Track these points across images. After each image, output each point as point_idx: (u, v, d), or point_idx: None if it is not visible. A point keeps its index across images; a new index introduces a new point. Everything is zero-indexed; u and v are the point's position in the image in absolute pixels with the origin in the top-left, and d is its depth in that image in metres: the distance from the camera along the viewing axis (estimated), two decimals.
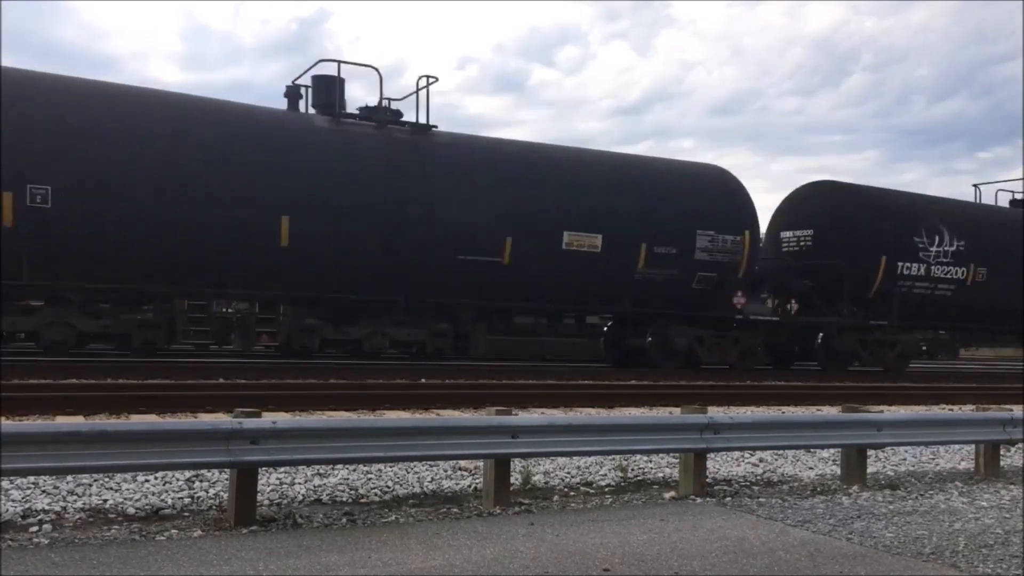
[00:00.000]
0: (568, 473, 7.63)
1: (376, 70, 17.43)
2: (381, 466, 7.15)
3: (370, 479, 6.97)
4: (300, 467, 6.80)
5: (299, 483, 6.68)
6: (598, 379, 16.26)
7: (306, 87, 17.47)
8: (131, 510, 5.83)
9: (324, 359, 18.15)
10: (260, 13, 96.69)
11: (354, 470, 7.07)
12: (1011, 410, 8.69)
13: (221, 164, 15.44)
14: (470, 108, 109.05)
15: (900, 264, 22.41)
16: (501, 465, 6.34)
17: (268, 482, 6.51)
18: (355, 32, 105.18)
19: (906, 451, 9.50)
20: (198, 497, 6.18)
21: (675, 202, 19.76)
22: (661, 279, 19.47)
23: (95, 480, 6.26)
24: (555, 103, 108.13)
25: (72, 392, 10.37)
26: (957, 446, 9.74)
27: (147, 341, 16.27)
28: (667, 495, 6.97)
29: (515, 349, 21.12)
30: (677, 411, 8.29)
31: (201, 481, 6.49)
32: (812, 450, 9.02)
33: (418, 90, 17.67)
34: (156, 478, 6.42)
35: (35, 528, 5.28)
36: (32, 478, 6.00)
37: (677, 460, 7.28)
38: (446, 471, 7.36)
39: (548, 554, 4.96)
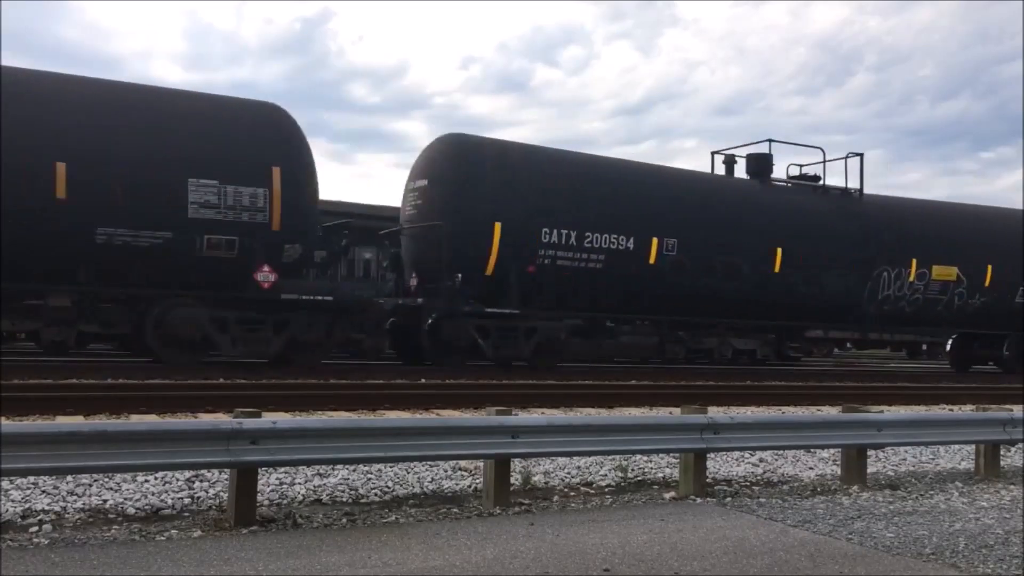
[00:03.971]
0: (568, 473, 7.63)
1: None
2: (381, 466, 7.15)
3: (370, 479, 6.97)
4: (300, 467, 6.79)
5: (299, 483, 6.68)
6: (598, 379, 16.27)
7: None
8: (131, 510, 5.83)
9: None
10: (263, 12, 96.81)
11: (354, 470, 7.07)
12: (1011, 410, 8.70)
13: None
14: (473, 108, 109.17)
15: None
16: (501, 465, 6.35)
17: (268, 482, 6.51)
18: (358, 32, 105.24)
19: (906, 451, 9.50)
20: (198, 497, 6.18)
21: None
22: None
23: (95, 480, 6.26)
24: (558, 103, 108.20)
25: (72, 392, 10.37)
26: (957, 446, 9.75)
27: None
28: (667, 495, 6.97)
29: None
30: (677, 411, 8.29)
31: (201, 481, 6.49)
32: (812, 450, 9.03)
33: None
34: (156, 478, 6.42)
35: (35, 528, 5.29)
36: (32, 478, 6.00)
37: (677, 460, 7.28)
38: (446, 471, 7.36)
39: (548, 554, 4.96)
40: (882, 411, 9.55)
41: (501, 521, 5.83)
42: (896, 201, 24.23)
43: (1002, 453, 8.76)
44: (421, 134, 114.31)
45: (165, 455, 5.30)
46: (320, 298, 16.07)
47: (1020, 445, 9.39)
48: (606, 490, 7.19)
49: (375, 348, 17.90)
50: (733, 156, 22.87)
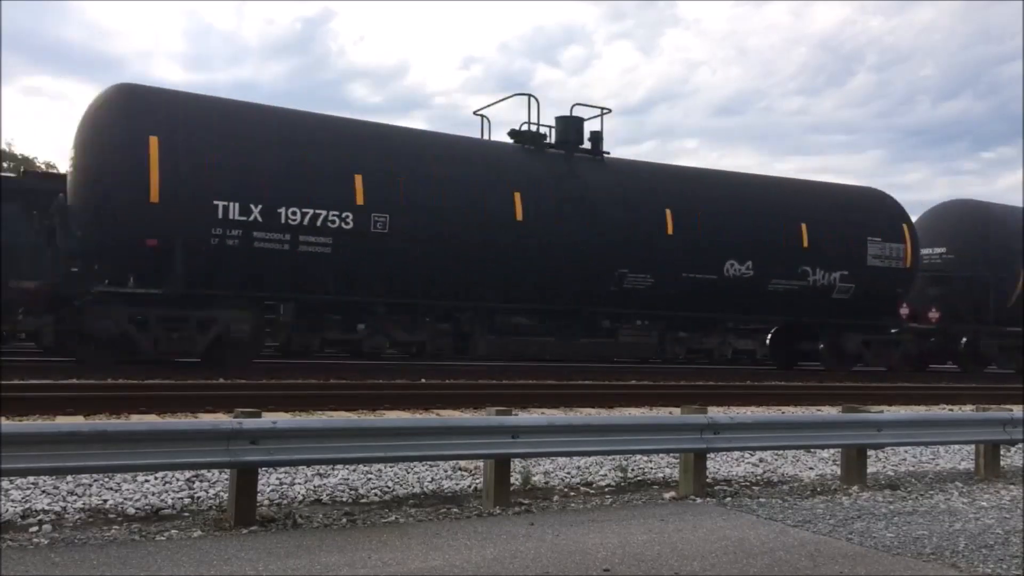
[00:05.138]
0: (568, 473, 7.63)
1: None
2: (381, 466, 7.15)
3: (370, 479, 6.97)
4: (300, 467, 6.80)
5: (299, 483, 6.68)
6: (598, 379, 16.26)
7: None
8: (131, 510, 5.83)
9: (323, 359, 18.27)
10: (264, 13, 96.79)
11: (354, 470, 7.07)
12: (1011, 410, 8.69)
13: None
14: (473, 108, 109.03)
15: None
16: (501, 465, 6.34)
17: (268, 482, 6.51)
18: (359, 32, 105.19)
19: (906, 451, 9.49)
20: (198, 497, 6.18)
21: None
22: None
23: (95, 480, 6.26)
24: (559, 103, 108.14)
25: (72, 392, 10.37)
26: (957, 446, 9.74)
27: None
28: (667, 495, 6.97)
29: None
30: (677, 411, 8.29)
31: (201, 481, 6.49)
32: (812, 450, 9.02)
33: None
34: (156, 478, 6.42)
35: (35, 528, 5.29)
36: (32, 478, 6.00)
37: (677, 460, 7.28)
38: (446, 471, 7.36)
39: (548, 554, 4.96)
40: (882, 411, 9.55)
41: (501, 521, 5.83)
42: None
43: (1002, 453, 8.76)
44: None
45: (165, 455, 5.30)
46: None
47: (1020, 445, 9.39)
48: (606, 490, 7.19)
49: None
50: None
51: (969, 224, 24.64)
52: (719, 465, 8.22)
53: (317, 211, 15.46)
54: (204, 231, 14.68)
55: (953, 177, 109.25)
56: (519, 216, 17.54)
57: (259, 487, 5.85)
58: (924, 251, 24.29)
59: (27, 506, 5.71)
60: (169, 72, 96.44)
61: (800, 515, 6.26)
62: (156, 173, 14.35)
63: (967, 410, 12.00)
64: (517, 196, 17.56)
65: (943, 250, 24.88)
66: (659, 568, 4.76)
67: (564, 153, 19.14)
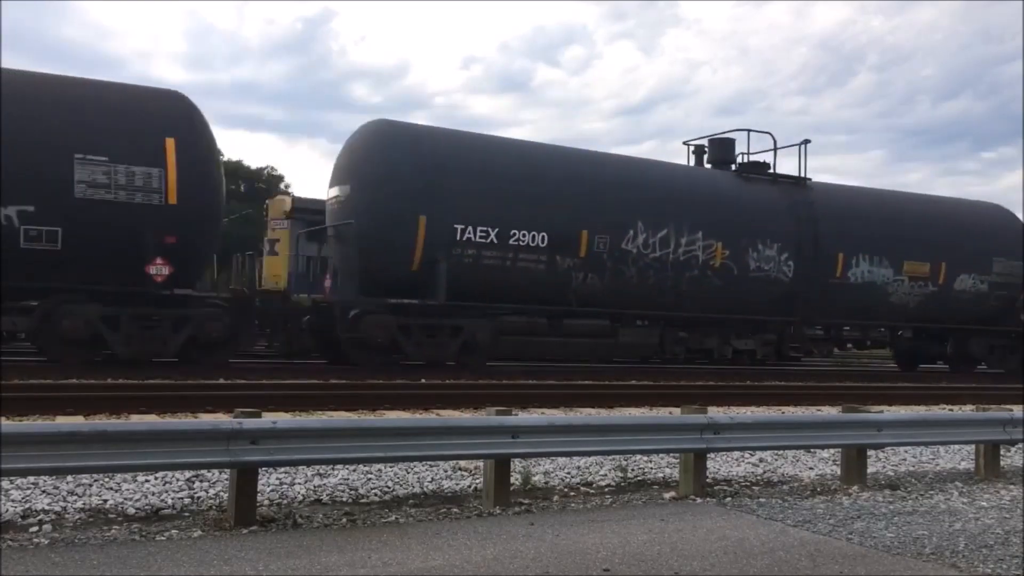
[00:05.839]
0: (568, 473, 7.63)
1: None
2: (381, 466, 7.15)
3: (370, 479, 6.97)
4: (300, 467, 6.80)
5: (299, 483, 6.68)
6: (598, 379, 16.26)
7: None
8: (131, 510, 5.83)
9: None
10: (265, 12, 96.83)
11: (354, 470, 7.07)
12: (1011, 410, 8.70)
13: None
14: (474, 108, 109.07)
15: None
16: (501, 465, 6.35)
17: (268, 482, 6.51)
18: (360, 32, 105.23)
19: (906, 451, 9.49)
20: (198, 497, 6.18)
21: None
22: None
23: (95, 480, 6.26)
24: (559, 103, 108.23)
25: (72, 392, 10.37)
26: (957, 446, 9.74)
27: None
28: (667, 495, 6.97)
29: None
30: (677, 411, 8.29)
31: (201, 481, 6.49)
32: (812, 450, 9.02)
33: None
34: (156, 478, 6.42)
35: (35, 528, 5.29)
36: (32, 478, 6.00)
37: (677, 460, 7.28)
38: (446, 471, 7.36)
39: (548, 554, 4.96)
40: (882, 411, 9.55)
41: (501, 521, 5.83)
42: None
43: (1002, 453, 8.76)
44: None
45: (165, 455, 5.30)
46: None
47: (1020, 445, 9.39)
48: (606, 490, 7.19)
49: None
50: None
51: (378, 154, 16.82)
52: (719, 465, 8.22)
53: None
54: None
55: (954, 177, 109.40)
56: None
57: (259, 487, 5.85)
58: (331, 194, 17.72)
59: (27, 506, 5.72)
60: (169, 72, 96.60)
61: (800, 515, 6.26)
62: None
63: (967, 410, 12.00)
64: None
65: (338, 191, 17.44)
66: (659, 568, 4.76)
67: None
